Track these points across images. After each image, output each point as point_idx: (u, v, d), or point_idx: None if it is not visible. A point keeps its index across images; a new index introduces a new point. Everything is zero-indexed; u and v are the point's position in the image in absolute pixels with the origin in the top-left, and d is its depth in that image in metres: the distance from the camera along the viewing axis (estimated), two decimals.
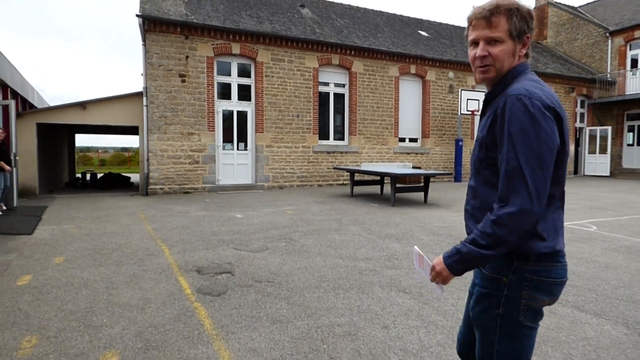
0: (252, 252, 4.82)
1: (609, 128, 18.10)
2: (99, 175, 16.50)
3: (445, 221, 6.96)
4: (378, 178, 10.95)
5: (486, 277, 1.32)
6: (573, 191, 11.60)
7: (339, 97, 13.25)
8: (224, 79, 11.47)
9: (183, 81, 10.62)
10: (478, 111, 14.42)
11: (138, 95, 10.80)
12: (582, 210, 8.26)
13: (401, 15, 17.58)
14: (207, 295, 3.40)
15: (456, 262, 1.26)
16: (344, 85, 13.23)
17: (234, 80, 11.58)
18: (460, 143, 14.53)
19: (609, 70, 18.81)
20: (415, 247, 1.41)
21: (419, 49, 14.37)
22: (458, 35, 17.75)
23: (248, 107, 11.71)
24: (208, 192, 10.91)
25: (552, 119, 1.18)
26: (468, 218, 1.40)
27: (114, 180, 15.12)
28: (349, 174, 10.69)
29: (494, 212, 1.19)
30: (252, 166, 11.80)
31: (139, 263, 4.28)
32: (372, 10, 16.88)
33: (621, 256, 4.83)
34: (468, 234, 1.39)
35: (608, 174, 17.78)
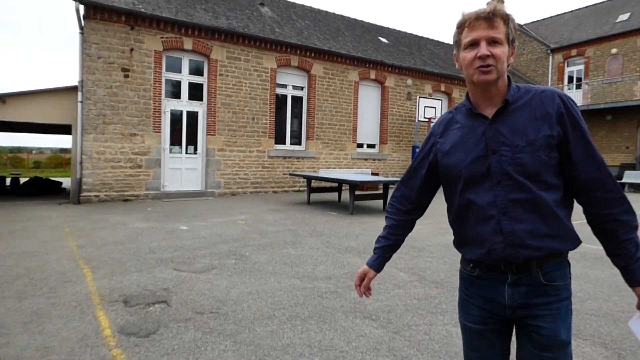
0: (195, 274, 4.17)
1: None
2: (23, 180, 14.36)
3: None
4: (336, 185, 10.56)
5: (561, 287, 1.27)
6: None
7: (297, 100, 12.76)
8: (174, 76, 10.58)
9: (126, 76, 9.63)
10: (435, 118, 14.51)
11: (72, 90, 9.64)
12: None
13: (362, 21, 17.45)
14: (132, 336, 2.73)
15: None
16: (302, 88, 12.75)
17: (185, 77, 10.73)
18: (417, 150, 14.49)
19: (549, 84, 19.96)
20: None
21: (379, 55, 14.23)
22: (416, 44, 17.91)
23: (199, 108, 10.90)
24: (152, 199, 9.96)
25: None
26: (530, 237, 1.22)
27: (41, 185, 13.02)
28: (305, 180, 10.20)
29: (622, 200, 1.23)
30: (202, 171, 10.98)
31: (49, 294, 3.47)
32: (334, 13, 16.61)
33: (579, 264, 4.78)
34: (521, 261, 1.23)
35: None
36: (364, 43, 14.81)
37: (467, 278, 1.36)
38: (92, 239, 5.56)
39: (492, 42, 1.22)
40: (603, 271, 4.52)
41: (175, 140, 10.59)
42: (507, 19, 1.24)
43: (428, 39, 19.56)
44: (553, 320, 1.23)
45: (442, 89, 15.76)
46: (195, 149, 10.88)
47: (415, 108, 14.58)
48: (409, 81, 14.86)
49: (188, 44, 10.42)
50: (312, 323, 3.04)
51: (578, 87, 19.06)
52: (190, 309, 3.22)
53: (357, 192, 9.03)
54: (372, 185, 12.00)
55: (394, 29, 18.49)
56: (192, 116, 10.81)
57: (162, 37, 10.05)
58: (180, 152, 10.67)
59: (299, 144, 12.84)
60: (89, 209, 8.32)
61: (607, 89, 17.86)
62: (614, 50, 17.81)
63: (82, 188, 9.27)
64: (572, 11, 22.49)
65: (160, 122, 10.17)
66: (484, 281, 1.30)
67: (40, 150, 37.16)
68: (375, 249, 1.53)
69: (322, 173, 10.94)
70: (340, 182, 9.06)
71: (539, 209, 1.22)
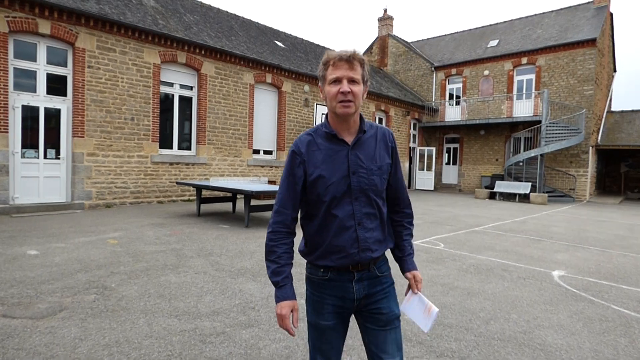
0: (32, 320, 3.15)
1: (434, 149, 20.93)
2: None
3: None
4: (230, 194, 9.78)
5: (387, 276, 1.62)
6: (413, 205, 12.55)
7: (186, 101, 11.63)
8: (26, 65, 8.68)
9: None
10: None
11: None
12: (425, 226, 8.71)
13: (257, 23, 16.89)
14: None
15: None
16: (192, 88, 11.67)
17: (42, 67, 8.89)
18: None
19: (433, 99, 21.86)
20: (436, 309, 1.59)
21: (276, 59, 13.82)
22: (312, 50, 17.99)
23: (62, 104, 9.14)
24: None
25: None
26: (374, 243, 1.53)
27: None
28: (195, 189, 9.22)
29: (411, 214, 1.69)
30: (67, 179, 9.21)
31: None
32: (227, 12, 15.73)
33: (475, 278, 4.86)
34: (367, 261, 1.53)
35: (432, 188, 20.43)
36: (260, 45, 14.27)
37: (317, 282, 1.55)
38: None
39: (352, 81, 1.44)
40: (497, 285, 4.65)
41: (30, 143, 8.69)
42: (363, 63, 1.47)
43: (324, 47, 19.86)
44: (388, 301, 1.56)
45: None
46: (58, 153, 9.09)
47: (313, 115, 14.52)
48: (307, 87, 14.76)
49: (44, 27, 8.65)
50: None
51: (457, 103, 21.20)
52: None
53: (253, 203, 8.42)
54: (269, 195, 11.48)
55: (290, 34, 18.34)
56: (53, 114, 9.01)
57: (7, 16, 8.15)
58: (37, 157, 8.80)
59: (189, 148, 11.72)
60: None
61: (481, 106, 20.20)
62: (486, 72, 20.23)
63: None
64: (451, 34, 24.99)
65: (7, 120, 8.23)
66: (335, 282, 1.53)
67: None
68: (284, 280, 1.52)
69: (214, 182, 10.04)
70: (234, 191, 8.36)
71: (380, 220, 1.55)
